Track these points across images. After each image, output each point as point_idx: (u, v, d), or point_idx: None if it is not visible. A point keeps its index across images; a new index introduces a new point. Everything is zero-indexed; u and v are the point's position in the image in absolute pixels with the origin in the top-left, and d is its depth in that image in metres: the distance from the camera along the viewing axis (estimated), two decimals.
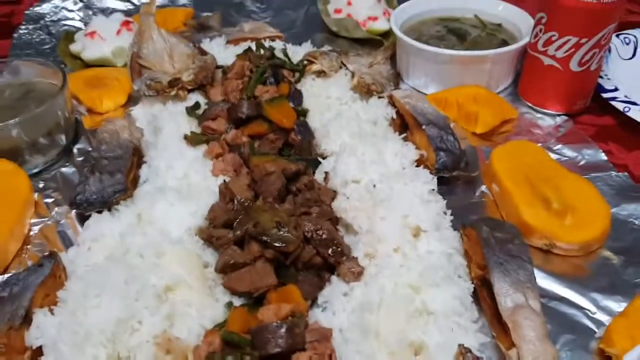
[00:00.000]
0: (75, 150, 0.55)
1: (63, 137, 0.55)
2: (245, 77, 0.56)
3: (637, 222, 0.46)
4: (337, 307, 0.38)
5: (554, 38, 0.54)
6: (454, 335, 0.36)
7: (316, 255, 0.40)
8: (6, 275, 0.42)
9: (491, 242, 0.41)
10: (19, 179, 0.48)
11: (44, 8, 0.78)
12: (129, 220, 0.43)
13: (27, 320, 0.37)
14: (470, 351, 0.34)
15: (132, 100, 0.61)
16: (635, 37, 0.69)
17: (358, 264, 0.40)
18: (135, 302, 0.36)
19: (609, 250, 0.44)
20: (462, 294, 0.38)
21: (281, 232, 0.39)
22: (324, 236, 0.40)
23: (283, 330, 0.34)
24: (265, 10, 0.80)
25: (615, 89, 0.59)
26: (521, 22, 0.63)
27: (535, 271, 0.40)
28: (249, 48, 0.62)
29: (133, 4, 0.81)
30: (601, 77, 0.60)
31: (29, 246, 0.45)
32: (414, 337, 0.36)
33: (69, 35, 0.69)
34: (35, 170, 0.52)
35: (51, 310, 0.37)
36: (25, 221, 0.47)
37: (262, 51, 0.60)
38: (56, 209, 0.48)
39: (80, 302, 0.36)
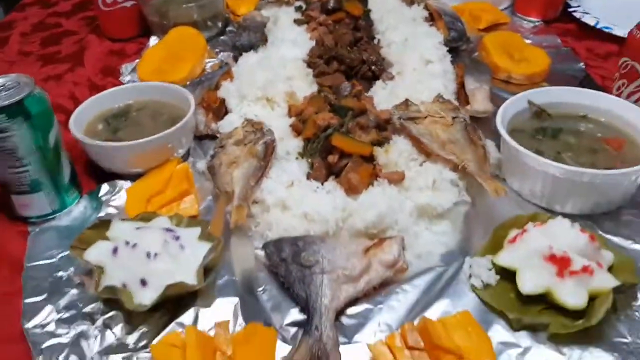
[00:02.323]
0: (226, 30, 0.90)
1: (220, 23, 0.90)
2: None
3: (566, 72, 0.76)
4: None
5: None
6: None
7: (368, 71, 0.73)
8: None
9: (470, 66, 0.72)
10: (199, 38, 0.83)
11: None
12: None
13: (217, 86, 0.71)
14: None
15: (259, 7, 0.95)
16: None
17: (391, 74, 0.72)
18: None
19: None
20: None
21: (352, 55, 0.72)
22: (373, 59, 0.73)
23: None
24: None
25: (578, 6, 0.88)
26: None
27: (498, 91, 0.71)
28: None
29: None
30: None
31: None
32: None
33: None
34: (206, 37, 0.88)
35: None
36: (204, 60, 0.82)
37: None
38: (221, 53, 0.83)
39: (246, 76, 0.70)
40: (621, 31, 0.81)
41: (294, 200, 0.52)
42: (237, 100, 0.68)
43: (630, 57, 0.58)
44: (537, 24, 0.87)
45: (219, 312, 0.46)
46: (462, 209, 0.55)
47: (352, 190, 0.53)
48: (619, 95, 0.60)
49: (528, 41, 0.82)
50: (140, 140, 0.57)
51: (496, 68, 0.75)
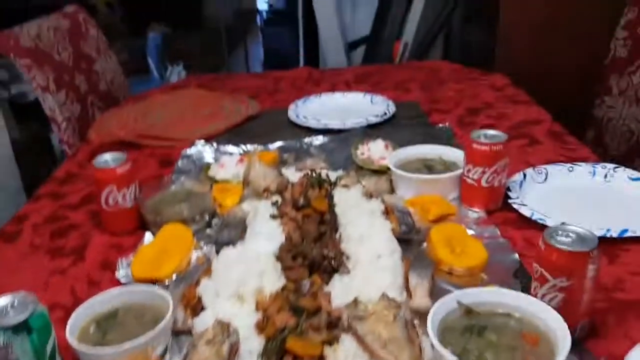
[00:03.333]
0: (212, 222, 1.03)
1: (207, 216, 1.03)
2: (303, 186, 1.04)
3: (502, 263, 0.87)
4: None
5: (471, 168, 0.99)
6: None
7: (329, 265, 0.84)
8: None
9: (416, 260, 0.83)
10: (187, 233, 0.96)
11: (192, 150, 1.32)
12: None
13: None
14: None
15: (243, 199, 1.09)
16: (546, 170, 1.12)
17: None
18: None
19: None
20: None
21: (314, 251, 0.84)
22: (331, 255, 0.84)
23: None
24: (320, 154, 1.30)
25: (517, 197, 1.02)
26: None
27: (442, 282, 0.82)
28: (307, 173, 1.10)
29: (244, 150, 1.33)
30: (509, 189, 1.03)
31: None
32: None
33: (207, 166, 1.21)
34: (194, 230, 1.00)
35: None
36: (190, 254, 0.94)
37: (314, 174, 1.09)
38: (205, 247, 0.95)
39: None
40: (552, 221, 0.93)
41: None
42: (211, 298, 0.78)
43: (539, 264, 0.69)
44: (480, 215, 1.00)
45: None
46: None
47: None
48: (535, 295, 0.70)
49: (471, 232, 0.95)
50: (120, 349, 0.67)
51: (439, 261, 0.86)
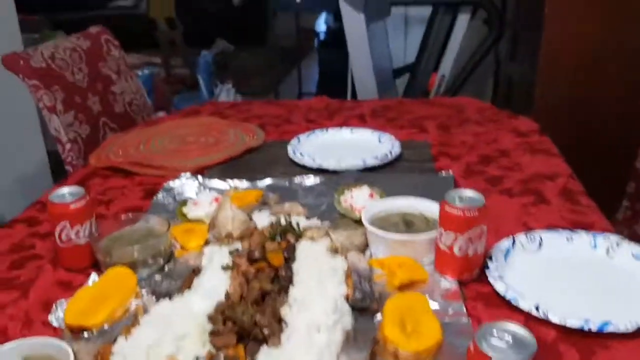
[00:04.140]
0: (165, 268, 0.98)
1: (161, 260, 0.98)
2: (263, 235, 0.97)
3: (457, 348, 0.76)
4: None
5: (442, 232, 0.89)
6: None
7: (260, 333, 0.76)
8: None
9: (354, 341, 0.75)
10: (131, 278, 0.91)
11: (176, 183, 1.28)
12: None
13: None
14: None
15: (209, 241, 1.04)
16: (540, 237, 1.00)
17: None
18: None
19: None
20: None
21: (244, 317, 0.77)
22: (264, 322, 0.77)
23: None
24: (307, 196, 1.22)
25: (497, 268, 0.91)
26: None
27: None
28: (274, 221, 1.03)
29: (230, 186, 1.28)
30: (490, 258, 0.93)
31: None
32: None
33: (184, 202, 1.17)
34: (141, 277, 0.95)
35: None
36: (129, 302, 0.89)
37: (281, 223, 1.02)
38: (146, 296, 0.90)
39: None
40: (525, 304, 0.82)
41: None
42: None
43: None
44: (452, 286, 0.90)
45: None
46: None
47: None
48: None
49: (435, 305, 0.85)
50: None
51: (385, 339, 0.77)
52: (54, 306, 0.88)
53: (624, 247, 0.96)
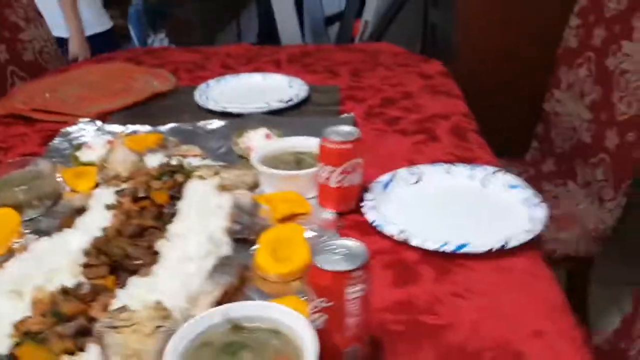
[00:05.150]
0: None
1: (48, 202, 0.99)
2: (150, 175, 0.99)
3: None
4: None
5: (322, 166, 0.93)
6: None
7: (131, 265, 0.79)
8: None
9: (221, 267, 0.78)
10: (14, 219, 0.92)
11: (74, 128, 1.27)
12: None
13: None
14: None
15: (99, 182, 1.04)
16: (420, 170, 1.05)
17: None
18: None
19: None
20: None
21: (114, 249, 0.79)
22: (135, 255, 0.79)
23: None
24: (207, 141, 1.23)
25: (373, 199, 0.95)
26: None
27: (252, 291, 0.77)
28: (165, 161, 1.04)
29: (132, 131, 1.27)
30: (367, 190, 0.97)
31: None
32: None
33: (78, 146, 1.16)
34: (27, 218, 0.96)
35: None
36: (10, 241, 0.89)
37: (171, 163, 1.03)
38: (28, 236, 0.91)
39: None
40: (391, 229, 0.87)
41: None
42: None
43: (307, 282, 0.63)
44: (330, 216, 0.94)
45: None
46: None
47: None
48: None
49: (311, 234, 0.88)
50: None
51: (257, 265, 0.81)
52: None
53: (499, 178, 1.01)
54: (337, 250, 0.62)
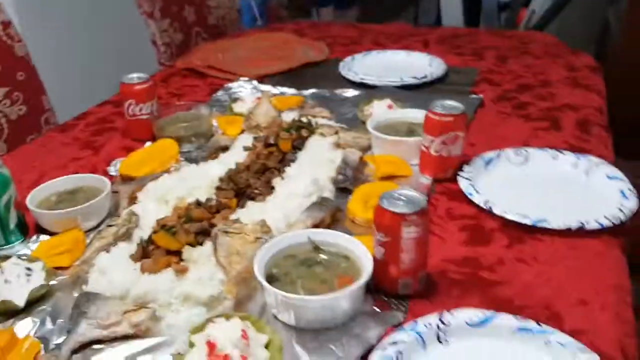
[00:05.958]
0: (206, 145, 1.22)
1: (203, 139, 1.21)
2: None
3: None
4: None
5: (425, 136, 1.02)
6: None
7: (251, 193, 0.98)
8: None
9: (318, 206, 0.93)
10: (174, 148, 1.16)
11: (234, 84, 1.51)
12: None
13: None
14: None
15: (245, 128, 1.25)
16: (527, 152, 1.09)
17: None
18: None
19: None
20: None
21: (239, 179, 0.98)
22: (256, 185, 0.97)
23: None
24: (340, 106, 1.38)
25: (471, 172, 1.03)
26: None
27: (342, 228, 0.91)
28: (298, 118, 1.21)
29: (280, 92, 1.47)
30: (467, 163, 1.05)
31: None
32: None
33: (235, 99, 1.38)
34: (184, 150, 1.19)
35: None
36: (169, 164, 1.13)
37: (301, 120, 1.20)
38: (183, 162, 1.14)
39: None
40: (478, 198, 0.95)
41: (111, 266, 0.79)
42: (145, 197, 0.97)
43: (374, 220, 0.76)
44: (427, 181, 1.04)
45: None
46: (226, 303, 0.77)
47: (145, 269, 0.78)
48: None
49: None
50: (52, 212, 0.89)
51: (348, 210, 0.95)
52: (114, 161, 1.15)
53: (602, 168, 1.03)
54: (402, 198, 0.74)
